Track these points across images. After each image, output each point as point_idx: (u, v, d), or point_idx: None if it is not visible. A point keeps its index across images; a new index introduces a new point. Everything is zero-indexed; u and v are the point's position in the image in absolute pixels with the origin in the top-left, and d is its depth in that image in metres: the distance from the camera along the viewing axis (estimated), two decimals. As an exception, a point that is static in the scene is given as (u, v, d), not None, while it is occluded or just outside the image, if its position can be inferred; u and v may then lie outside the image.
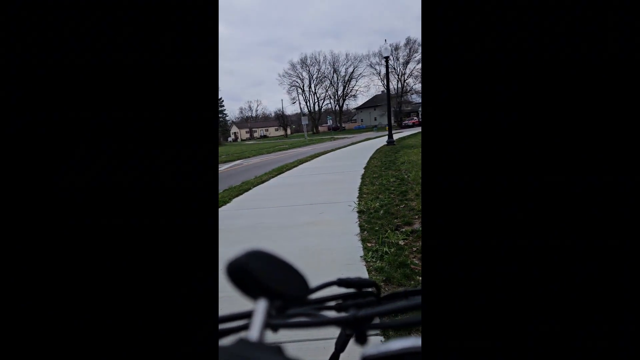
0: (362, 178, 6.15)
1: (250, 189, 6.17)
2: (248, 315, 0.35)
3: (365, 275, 2.32)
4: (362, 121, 57.53)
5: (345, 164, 8.64)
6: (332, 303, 0.39)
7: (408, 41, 48.28)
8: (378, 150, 11.28)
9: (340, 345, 0.39)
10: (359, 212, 3.87)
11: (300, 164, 9.73)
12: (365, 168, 7.41)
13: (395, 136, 17.05)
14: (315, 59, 64.50)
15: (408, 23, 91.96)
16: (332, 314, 0.36)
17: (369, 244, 2.85)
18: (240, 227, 3.70)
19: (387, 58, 12.42)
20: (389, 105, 12.88)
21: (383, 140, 16.54)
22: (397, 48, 49.80)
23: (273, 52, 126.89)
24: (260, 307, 0.32)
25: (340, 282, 0.41)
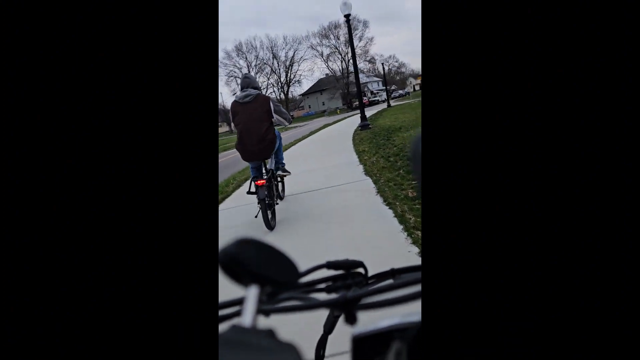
0: (380, 194, 3.40)
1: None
2: (240, 302, 0.35)
3: None
4: (309, 107, 54.87)
5: (327, 165, 5.77)
6: (322, 285, 0.39)
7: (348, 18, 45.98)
8: (356, 139, 8.54)
9: (329, 327, 0.40)
10: None
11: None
12: (365, 171, 4.66)
13: (355, 118, 14.46)
14: (252, 45, 58.90)
15: (327, 8, 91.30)
16: (322, 296, 0.36)
17: None
18: None
19: (347, 16, 9.69)
20: (357, 80, 10.20)
21: (346, 125, 13.96)
22: (336, 26, 47.44)
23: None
24: (251, 294, 0.32)
25: (329, 265, 0.41)
